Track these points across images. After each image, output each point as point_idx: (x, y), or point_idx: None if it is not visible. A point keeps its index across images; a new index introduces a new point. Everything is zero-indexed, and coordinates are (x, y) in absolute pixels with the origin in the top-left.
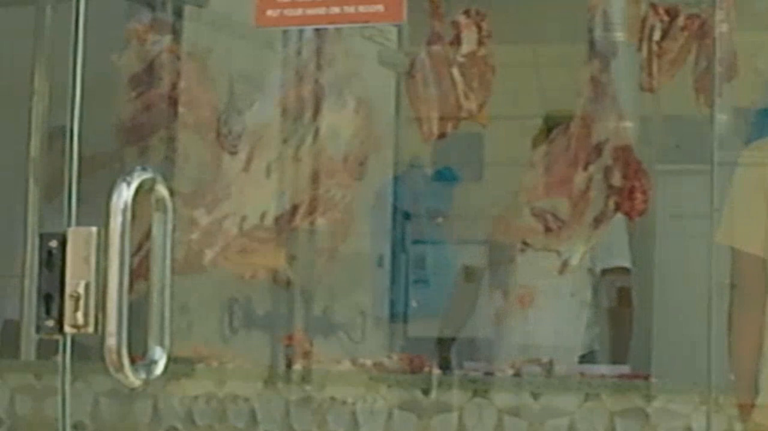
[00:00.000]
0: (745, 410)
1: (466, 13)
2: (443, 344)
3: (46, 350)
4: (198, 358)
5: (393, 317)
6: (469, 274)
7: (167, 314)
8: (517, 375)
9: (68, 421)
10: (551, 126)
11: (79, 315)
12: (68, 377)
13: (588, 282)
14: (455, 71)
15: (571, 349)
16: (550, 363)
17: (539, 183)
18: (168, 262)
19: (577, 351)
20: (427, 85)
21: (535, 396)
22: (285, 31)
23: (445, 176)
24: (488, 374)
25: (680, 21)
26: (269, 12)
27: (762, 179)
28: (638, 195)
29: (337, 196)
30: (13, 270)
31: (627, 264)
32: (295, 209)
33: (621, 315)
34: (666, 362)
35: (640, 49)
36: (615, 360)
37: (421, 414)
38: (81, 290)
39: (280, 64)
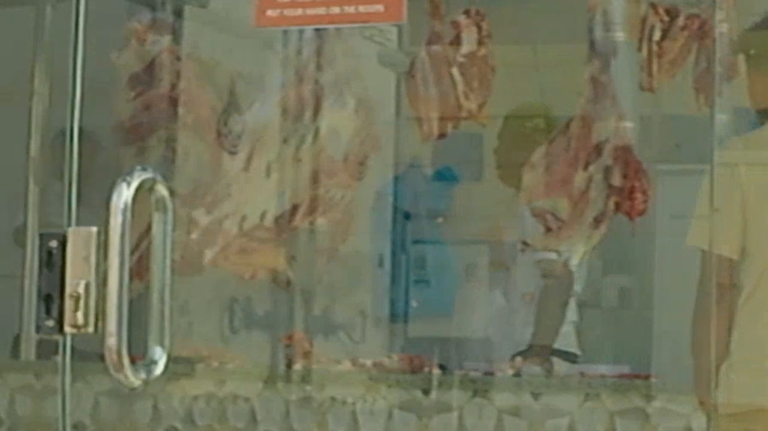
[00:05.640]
0: (706, 405)
1: (466, 13)
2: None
3: (46, 350)
4: (198, 358)
5: (393, 317)
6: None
7: (167, 314)
8: (517, 375)
9: (68, 421)
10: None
11: (79, 315)
12: (68, 377)
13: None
14: (455, 71)
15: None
16: (550, 362)
17: (539, 183)
18: (168, 262)
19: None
20: (427, 85)
21: (535, 396)
22: (285, 31)
23: (445, 176)
24: (488, 374)
25: (680, 21)
26: (269, 12)
27: (736, 179)
28: (638, 195)
29: (337, 196)
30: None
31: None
32: (295, 209)
33: None
34: (666, 362)
35: (640, 49)
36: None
37: (421, 414)
38: (81, 290)
39: (280, 64)
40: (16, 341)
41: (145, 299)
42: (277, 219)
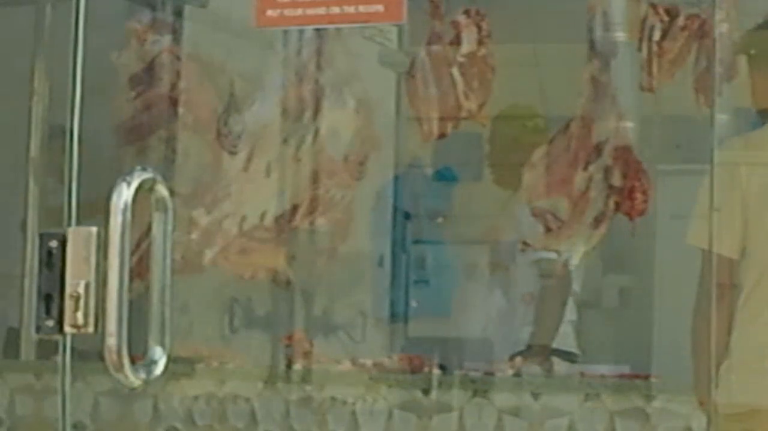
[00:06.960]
0: (706, 405)
1: (466, 13)
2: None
3: (46, 350)
4: (198, 358)
5: (393, 317)
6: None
7: (167, 314)
8: (517, 375)
9: (68, 421)
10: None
11: (79, 315)
12: (68, 377)
13: None
14: (455, 71)
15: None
16: (550, 362)
17: (539, 183)
18: (168, 262)
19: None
20: (427, 85)
21: (535, 396)
22: (285, 31)
23: (445, 176)
24: (488, 374)
25: (680, 21)
26: (269, 12)
27: (736, 179)
28: (638, 195)
29: (337, 196)
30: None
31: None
32: (295, 209)
33: None
34: (666, 362)
35: (640, 49)
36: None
37: (421, 414)
38: (81, 290)
39: (280, 64)
40: (9, 335)
41: (146, 299)
42: (277, 219)
